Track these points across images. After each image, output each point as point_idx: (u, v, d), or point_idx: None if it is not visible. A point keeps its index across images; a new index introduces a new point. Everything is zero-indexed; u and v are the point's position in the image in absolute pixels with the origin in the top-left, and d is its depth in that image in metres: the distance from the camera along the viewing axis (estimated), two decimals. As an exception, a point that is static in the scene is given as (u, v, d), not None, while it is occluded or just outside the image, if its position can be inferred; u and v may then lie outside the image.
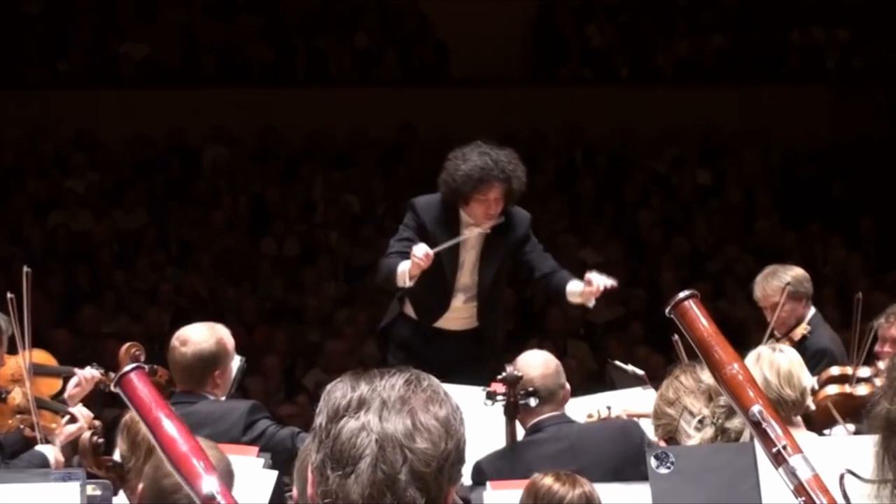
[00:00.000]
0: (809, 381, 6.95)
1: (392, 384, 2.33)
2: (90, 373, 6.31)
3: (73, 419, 6.08)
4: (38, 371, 6.28)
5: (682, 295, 3.11)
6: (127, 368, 2.77)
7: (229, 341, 5.95)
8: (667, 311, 3.11)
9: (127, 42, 15.42)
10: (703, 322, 3.07)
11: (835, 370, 7.07)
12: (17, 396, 6.07)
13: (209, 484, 2.59)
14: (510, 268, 7.52)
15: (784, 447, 2.87)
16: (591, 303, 7.13)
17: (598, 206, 14.86)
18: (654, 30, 16.28)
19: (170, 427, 2.70)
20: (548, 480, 4.47)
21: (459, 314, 7.38)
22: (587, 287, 7.05)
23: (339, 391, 2.35)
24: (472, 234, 7.23)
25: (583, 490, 4.45)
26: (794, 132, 15.54)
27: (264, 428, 5.74)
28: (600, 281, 7.00)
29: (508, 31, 16.01)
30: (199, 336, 5.86)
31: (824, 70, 16.18)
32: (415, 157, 14.50)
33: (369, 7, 16.05)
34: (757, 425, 2.92)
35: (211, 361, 5.81)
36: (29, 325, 6.19)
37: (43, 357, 6.49)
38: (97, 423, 6.16)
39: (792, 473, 2.84)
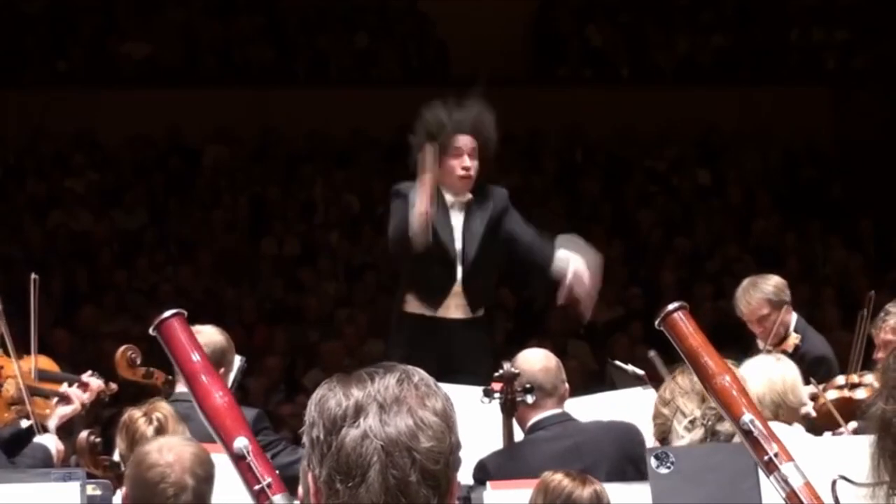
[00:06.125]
0: (806, 391, 7.01)
1: (385, 385, 2.29)
2: (95, 382, 6.29)
3: (65, 400, 6.08)
4: (42, 377, 6.27)
5: (670, 307, 3.13)
6: (168, 314, 2.73)
7: (233, 347, 6.03)
8: (656, 323, 3.12)
9: (127, 42, 15.43)
10: (692, 334, 3.09)
11: (840, 380, 7.05)
12: (10, 388, 6.07)
13: (240, 441, 2.57)
14: (501, 263, 7.51)
15: (776, 455, 2.88)
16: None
17: (598, 206, 14.85)
18: (654, 30, 16.28)
19: (206, 379, 2.66)
20: (559, 477, 4.48)
21: (459, 291, 7.34)
22: (568, 287, 7.05)
23: (332, 400, 2.30)
24: (454, 202, 7.26)
25: (593, 488, 4.46)
26: (794, 132, 15.54)
27: (267, 442, 5.76)
28: (583, 280, 7.00)
29: (508, 31, 16.01)
30: (210, 330, 5.98)
31: (824, 70, 16.18)
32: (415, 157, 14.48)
33: (369, 7, 16.05)
34: (748, 434, 2.93)
35: (219, 355, 5.88)
36: (36, 328, 6.23)
37: (46, 363, 6.48)
38: (107, 385, 6.17)
39: (784, 481, 2.85)
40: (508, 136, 14.79)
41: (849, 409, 6.79)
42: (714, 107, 15.57)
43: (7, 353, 6.24)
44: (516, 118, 15.01)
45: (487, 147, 7.25)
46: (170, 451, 4.16)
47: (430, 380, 2.35)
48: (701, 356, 3.07)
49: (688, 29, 16.36)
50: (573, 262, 7.20)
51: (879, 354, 6.94)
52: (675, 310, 3.11)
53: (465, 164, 7.17)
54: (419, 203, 7.01)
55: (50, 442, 5.90)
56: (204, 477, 4.13)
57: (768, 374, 5.24)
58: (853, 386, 6.96)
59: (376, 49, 15.82)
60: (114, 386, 6.38)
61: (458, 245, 7.29)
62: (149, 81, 15.12)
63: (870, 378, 6.95)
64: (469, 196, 7.29)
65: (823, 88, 15.93)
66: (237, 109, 14.91)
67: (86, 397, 6.15)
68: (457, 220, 7.31)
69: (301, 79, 15.56)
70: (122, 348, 6.23)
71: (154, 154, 14.86)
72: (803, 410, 6.97)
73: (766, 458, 2.89)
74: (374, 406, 2.28)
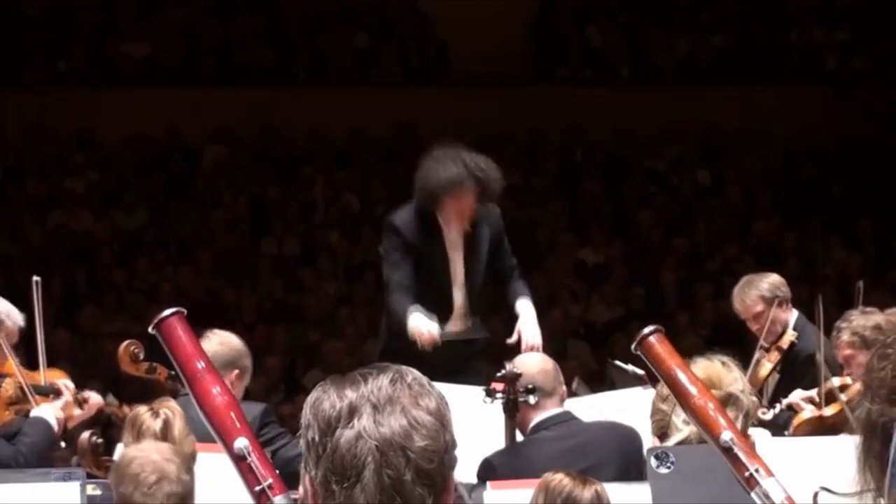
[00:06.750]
0: (799, 395, 6.99)
1: (378, 385, 2.30)
2: (95, 398, 6.26)
3: (59, 393, 6.07)
4: (37, 391, 6.23)
5: (646, 331, 3.15)
6: (167, 312, 2.71)
7: (250, 355, 6.07)
8: (633, 347, 3.15)
9: (127, 42, 15.43)
10: (668, 356, 3.11)
11: (835, 381, 7.04)
12: (9, 388, 6.06)
13: (241, 441, 2.56)
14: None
15: (756, 470, 2.89)
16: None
17: (598, 206, 14.86)
18: (654, 30, 16.28)
19: (207, 378, 2.65)
20: (559, 477, 4.49)
21: (458, 313, 7.38)
22: (518, 337, 7.12)
23: (326, 402, 2.31)
24: (452, 235, 7.30)
25: (594, 489, 4.48)
26: (794, 132, 15.54)
27: (273, 435, 5.78)
28: (529, 339, 7.08)
29: (508, 31, 16.01)
30: (227, 334, 6.08)
31: (824, 70, 16.18)
32: (415, 157, 14.46)
33: (369, 7, 16.05)
34: (728, 451, 2.95)
35: (234, 357, 5.93)
36: (42, 333, 6.22)
37: (59, 377, 6.45)
38: (120, 407, 6.16)
39: (765, 496, 2.86)
40: (508, 136, 14.82)
41: (821, 428, 6.78)
42: (714, 107, 15.57)
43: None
44: (516, 118, 15.03)
45: (490, 192, 7.28)
46: (149, 447, 4.20)
47: (424, 379, 2.35)
48: (678, 378, 3.10)
49: (688, 29, 16.36)
50: (524, 322, 7.18)
51: (847, 371, 6.94)
52: (651, 333, 3.14)
53: (465, 211, 7.24)
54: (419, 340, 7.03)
55: (48, 413, 5.87)
56: (185, 467, 4.15)
57: (709, 377, 5.15)
58: (843, 388, 6.95)
59: (376, 49, 15.82)
60: (116, 404, 6.34)
61: (461, 274, 7.32)
62: (149, 81, 15.12)
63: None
64: (467, 227, 7.33)
65: (823, 88, 15.93)
66: (237, 109, 14.91)
67: (80, 397, 6.13)
68: (457, 252, 7.34)
69: (301, 79, 15.56)
70: (124, 343, 6.23)
71: (154, 154, 14.86)
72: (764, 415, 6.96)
73: (746, 474, 2.91)
74: (368, 406, 2.28)
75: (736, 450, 2.93)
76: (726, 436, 2.96)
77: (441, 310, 7.33)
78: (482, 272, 7.38)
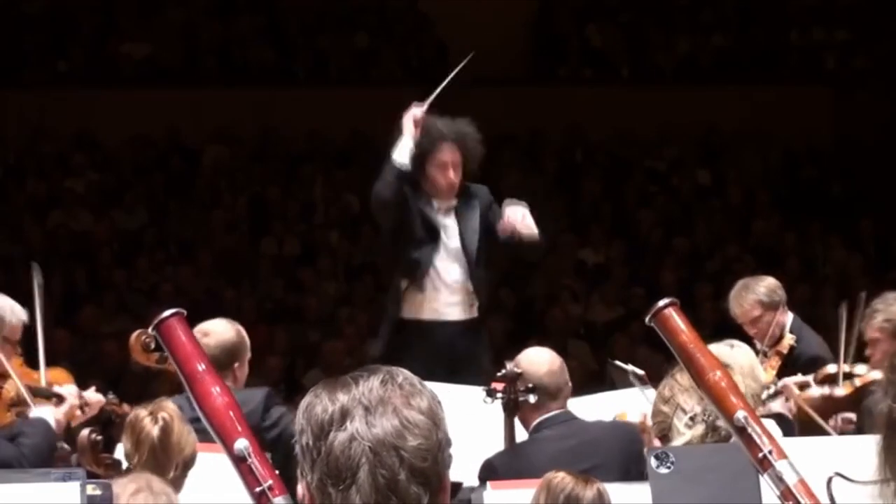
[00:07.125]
0: (765, 376, 7.01)
1: (369, 387, 2.32)
2: (96, 397, 6.25)
3: (61, 399, 6.05)
4: (37, 393, 6.22)
5: (661, 303, 3.10)
6: (167, 313, 2.71)
7: (246, 336, 6.04)
8: (647, 319, 3.10)
9: (127, 42, 15.44)
10: (684, 330, 3.07)
11: (832, 368, 7.06)
12: (10, 390, 6.05)
13: (241, 443, 2.56)
14: (500, 260, 7.63)
15: (770, 452, 2.87)
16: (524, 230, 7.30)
17: (598, 206, 14.86)
18: (654, 30, 16.29)
19: (206, 379, 2.65)
20: (561, 476, 4.50)
21: (457, 286, 7.39)
22: (507, 225, 7.26)
23: (318, 406, 2.34)
24: (441, 205, 7.45)
25: (596, 488, 4.49)
26: (794, 132, 15.54)
27: (279, 416, 5.79)
28: (514, 217, 7.21)
29: (508, 31, 16.01)
30: (221, 328, 6.00)
31: (824, 70, 16.19)
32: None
33: (369, 7, 16.05)
34: (742, 431, 2.92)
35: (232, 352, 5.91)
36: (41, 317, 6.22)
37: (61, 376, 6.44)
38: (95, 397, 6.15)
39: (778, 478, 2.84)
40: (508, 136, 14.82)
41: (830, 406, 6.79)
42: (714, 107, 15.57)
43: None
44: (516, 118, 15.03)
45: (471, 158, 7.46)
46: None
47: (415, 379, 2.38)
48: (693, 353, 3.05)
49: (688, 29, 16.36)
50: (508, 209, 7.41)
51: (869, 352, 6.94)
52: (666, 306, 3.09)
53: (448, 177, 7.45)
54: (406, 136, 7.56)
55: (47, 414, 5.86)
56: (175, 487, 4.16)
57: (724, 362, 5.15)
58: (847, 375, 6.96)
59: (376, 49, 15.82)
60: (116, 402, 6.32)
61: (457, 243, 7.39)
62: (149, 81, 15.12)
63: (862, 369, 6.96)
64: (455, 201, 7.48)
65: (823, 88, 15.94)
66: (237, 109, 14.90)
67: (83, 402, 6.12)
68: (450, 220, 7.44)
69: (301, 79, 15.56)
70: (136, 332, 6.20)
71: (154, 154, 14.86)
72: (783, 408, 6.96)
73: (759, 455, 2.88)
74: (360, 409, 2.31)
75: (750, 430, 2.91)
76: (740, 415, 2.93)
77: (429, 252, 7.37)
78: (478, 243, 7.42)
